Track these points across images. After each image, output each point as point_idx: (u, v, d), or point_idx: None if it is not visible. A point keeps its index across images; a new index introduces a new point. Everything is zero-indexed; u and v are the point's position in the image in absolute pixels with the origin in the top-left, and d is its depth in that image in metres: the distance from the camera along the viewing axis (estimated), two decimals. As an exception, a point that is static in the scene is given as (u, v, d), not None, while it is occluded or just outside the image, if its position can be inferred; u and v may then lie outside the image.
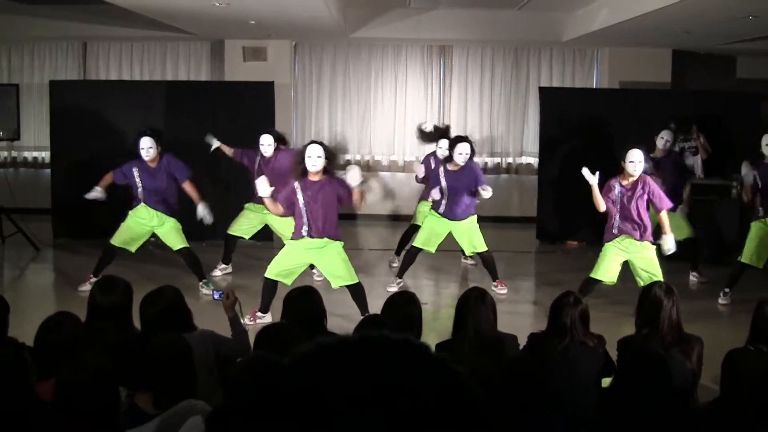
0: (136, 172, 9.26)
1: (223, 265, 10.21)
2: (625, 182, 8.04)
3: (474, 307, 5.10)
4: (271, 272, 7.97)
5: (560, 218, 12.68)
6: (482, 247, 9.43)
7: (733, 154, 11.79)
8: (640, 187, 7.96)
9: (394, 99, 14.91)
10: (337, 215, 8.01)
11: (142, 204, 9.28)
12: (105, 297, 4.99)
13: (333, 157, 7.91)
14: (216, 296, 6.47)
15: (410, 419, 0.93)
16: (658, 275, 7.68)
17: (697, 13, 9.85)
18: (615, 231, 8.03)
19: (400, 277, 9.60)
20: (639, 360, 4.10)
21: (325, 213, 7.83)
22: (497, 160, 14.92)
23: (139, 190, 9.27)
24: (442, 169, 9.34)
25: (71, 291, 9.09)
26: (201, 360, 4.31)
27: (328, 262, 8.00)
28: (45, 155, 14.50)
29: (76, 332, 4.35)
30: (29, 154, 15.04)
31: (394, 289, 9.07)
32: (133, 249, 9.45)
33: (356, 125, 14.91)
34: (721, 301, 9.11)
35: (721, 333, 7.04)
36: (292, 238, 8.01)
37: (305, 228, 7.84)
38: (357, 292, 7.95)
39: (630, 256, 8.05)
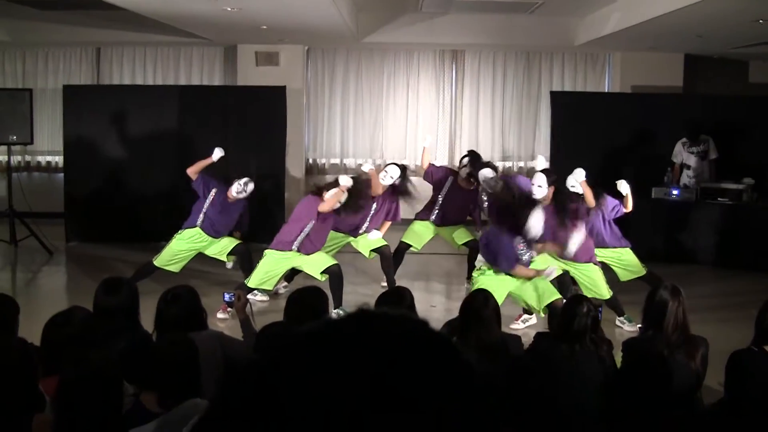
0: (213, 192, 9.02)
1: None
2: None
3: (478, 311, 5.10)
4: (254, 282, 8.16)
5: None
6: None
7: (746, 159, 11.79)
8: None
9: (406, 104, 14.93)
10: None
11: (197, 228, 8.96)
12: (109, 299, 5.01)
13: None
14: (227, 298, 6.49)
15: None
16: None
17: (708, 17, 9.83)
18: None
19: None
20: (641, 361, 4.10)
21: (322, 242, 8.41)
22: (508, 163, 14.92)
23: (202, 213, 8.97)
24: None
25: (83, 294, 9.08)
26: (207, 360, 4.33)
27: (310, 262, 8.33)
28: (58, 159, 14.58)
29: (85, 327, 4.38)
30: (42, 159, 15.15)
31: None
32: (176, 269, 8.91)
33: (368, 130, 14.94)
34: None
35: (726, 334, 7.00)
36: (275, 249, 8.27)
37: (296, 244, 8.22)
38: (336, 276, 8.24)
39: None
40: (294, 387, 0.95)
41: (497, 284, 7.09)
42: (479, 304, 5.13)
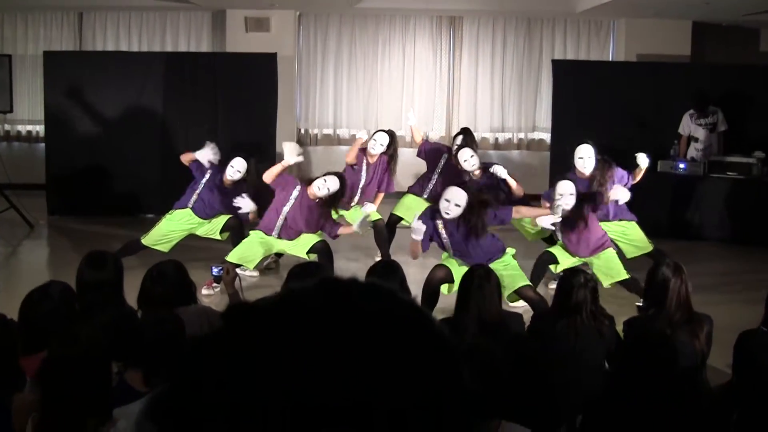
0: (208, 174, 8.91)
1: None
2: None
3: (478, 285, 5.11)
4: (233, 256, 8.08)
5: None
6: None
7: (756, 131, 11.77)
8: None
9: (402, 72, 14.87)
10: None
11: (188, 209, 8.88)
12: (93, 273, 5.01)
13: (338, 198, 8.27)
14: (215, 271, 6.48)
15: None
16: None
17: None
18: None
19: None
20: (643, 339, 4.11)
21: (302, 227, 8.24)
22: (508, 135, 14.90)
23: (195, 194, 8.87)
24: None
25: (66, 268, 9.07)
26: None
27: (294, 245, 8.31)
28: (39, 129, 14.51)
29: (65, 302, 4.38)
30: (23, 128, 15.05)
31: None
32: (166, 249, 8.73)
33: (362, 99, 14.88)
34: None
35: (734, 313, 7.02)
36: (260, 229, 8.27)
37: (276, 230, 8.19)
38: (324, 253, 8.15)
39: None
40: (247, 367, 0.92)
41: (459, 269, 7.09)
42: (481, 277, 5.14)
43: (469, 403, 0.98)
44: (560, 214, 7.65)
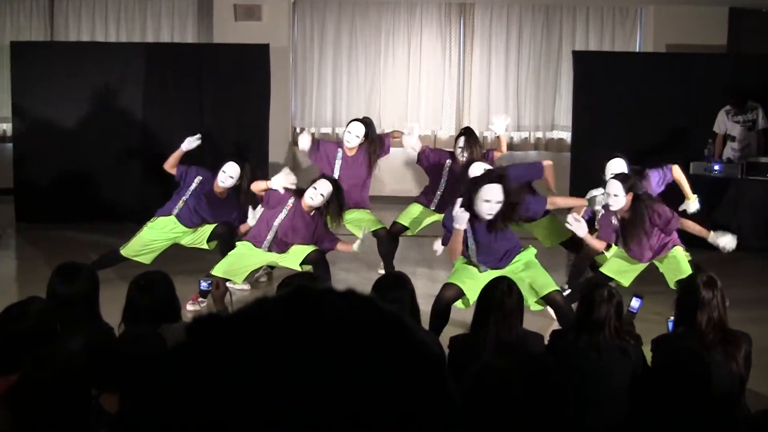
0: (196, 180, 8.91)
1: None
2: None
3: (500, 300, 5.10)
4: (219, 270, 7.99)
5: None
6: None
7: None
8: None
9: (407, 65, 14.87)
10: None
11: (172, 217, 8.86)
12: (65, 287, 5.01)
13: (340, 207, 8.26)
14: (204, 286, 6.50)
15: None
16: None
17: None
18: None
19: None
20: (674, 360, 4.10)
21: (294, 241, 8.21)
22: (525, 134, 14.89)
23: (181, 200, 8.87)
24: None
25: (36, 282, 9.04)
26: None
27: (285, 257, 8.29)
28: (6, 127, 14.50)
29: (44, 321, 4.37)
30: (-12, 127, 15.07)
31: None
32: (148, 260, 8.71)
33: (363, 95, 14.88)
34: None
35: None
36: (249, 241, 8.27)
37: (266, 244, 8.17)
38: (319, 263, 8.11)
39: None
40: (211, 380, 0.95)
41: (475, 275, 7.07)
42: (502, 292, 5.13)
43: (453, 417, 1.00)
44: (597, 207, 7.67)
